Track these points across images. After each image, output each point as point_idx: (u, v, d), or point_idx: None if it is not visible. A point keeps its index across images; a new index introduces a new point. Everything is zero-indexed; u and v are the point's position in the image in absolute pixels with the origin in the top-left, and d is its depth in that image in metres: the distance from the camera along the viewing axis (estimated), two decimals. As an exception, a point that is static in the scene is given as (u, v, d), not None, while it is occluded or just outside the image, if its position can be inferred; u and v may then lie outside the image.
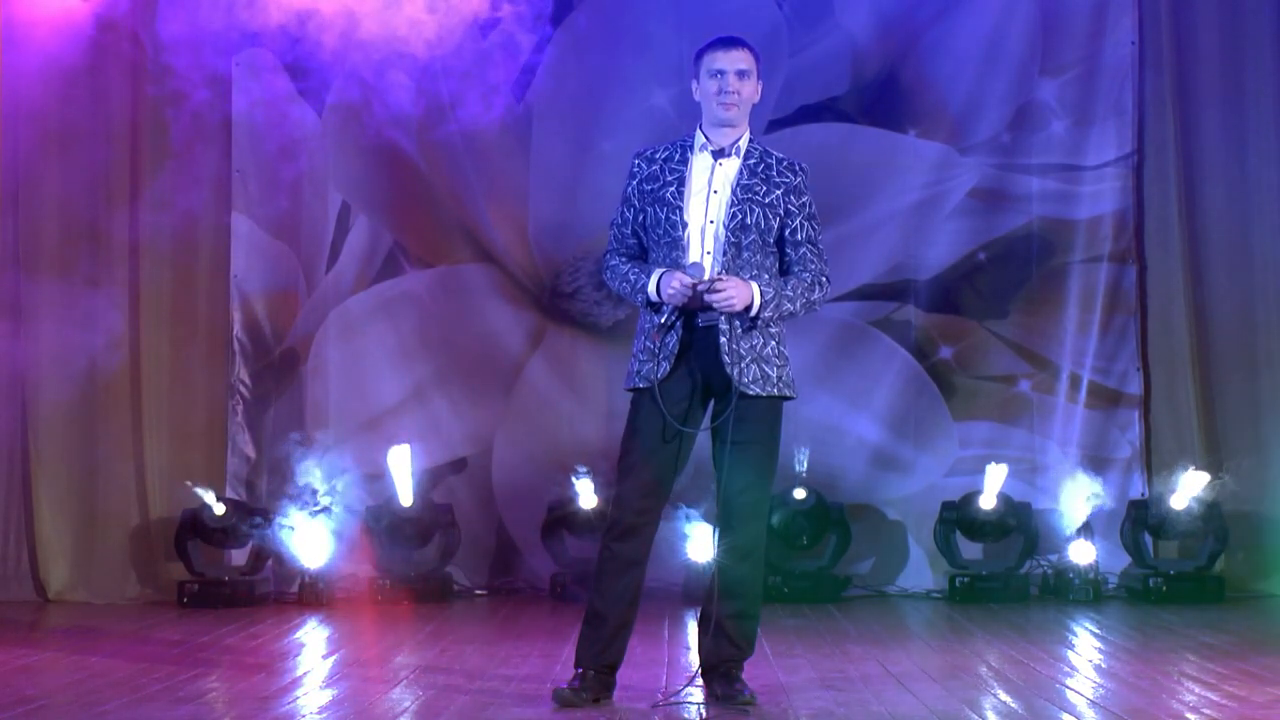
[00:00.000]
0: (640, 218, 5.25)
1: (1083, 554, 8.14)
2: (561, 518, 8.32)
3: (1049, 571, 8.30)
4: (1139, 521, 8.21)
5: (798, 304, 5.18)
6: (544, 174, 8.65)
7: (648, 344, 5.16)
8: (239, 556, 8.42)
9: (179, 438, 8.59)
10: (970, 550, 8.38)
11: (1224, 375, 8.46)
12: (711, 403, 5.21)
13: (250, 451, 8.62)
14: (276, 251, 8.70)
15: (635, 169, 5.29)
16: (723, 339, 5.10)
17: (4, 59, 8.39)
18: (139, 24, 8.49)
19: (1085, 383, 8.51)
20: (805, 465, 8.16)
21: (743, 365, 5.11)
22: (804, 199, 5.25)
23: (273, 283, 8.69)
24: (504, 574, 8.65)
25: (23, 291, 8.49)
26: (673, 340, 5.12)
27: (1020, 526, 8.22)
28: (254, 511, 8.33)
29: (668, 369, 5.12)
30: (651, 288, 5.12)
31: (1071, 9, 8.57)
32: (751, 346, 5.13)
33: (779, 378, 5.18)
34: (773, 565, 8.17)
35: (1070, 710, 5.09)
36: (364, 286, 8.71)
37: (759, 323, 5.11)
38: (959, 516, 8.24)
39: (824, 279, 5.25)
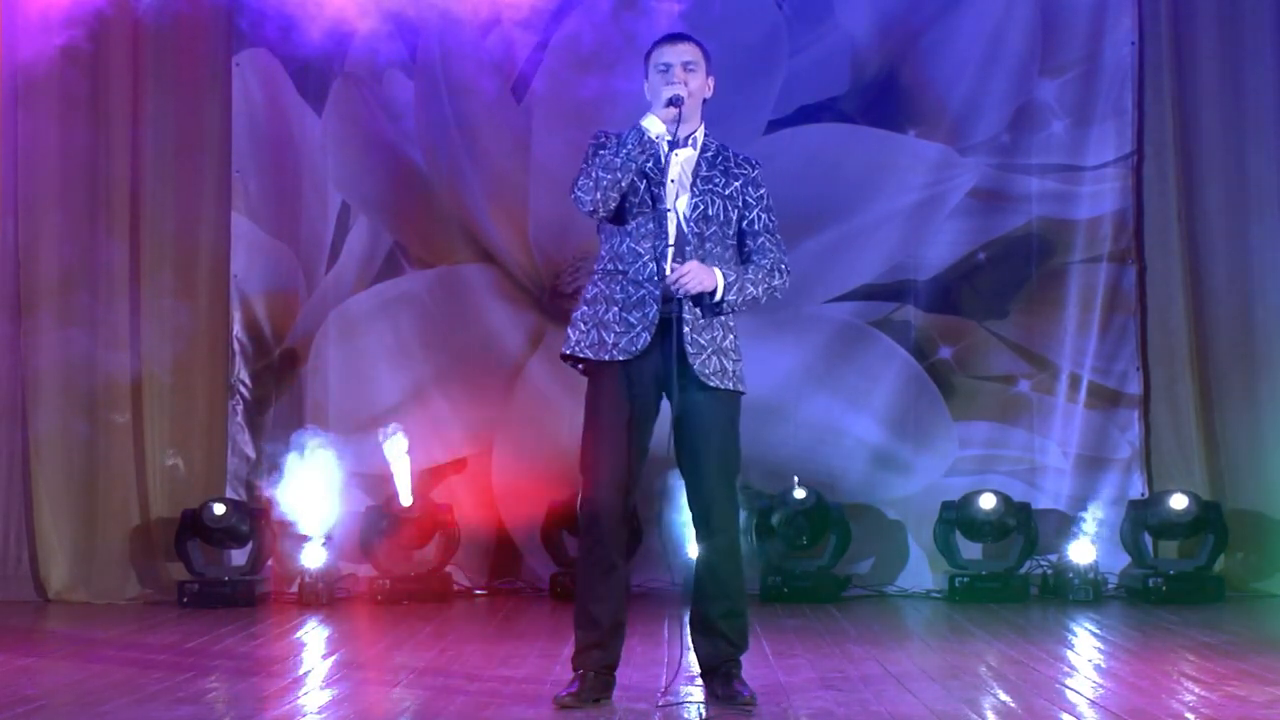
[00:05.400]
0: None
1: (1082, 554, 8.14)
2: (561, 518, 8.32)
3: (1049, 571, 8.30)
4: (1139, 521, 8.21)
5: (760, 288, 5.16)
6: (544, 174, 8.65)
7: (627, 315, 5.10)
8: (239, 556, 8.43)
9: (179, 438, 8.59)
10: (970, 550, 8.38)
11: (1224, 375, 8.45)
12: (664, 400, 5.16)
13: (250, 451, 8.63)
14: (276, 251, 8.70)
15: (602, 139, 5.17)
16: (686, 329, 5.07)
17: (3, 58, 8.40)
18: (139, 23, 8.50)
19: (1085, 383, 8.51)
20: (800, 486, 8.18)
21: (704, 356, 5.09)
22: (761, 190, 5.24)
23: (273, 283, 8.70)
24: (504, 574, 8.65)
25: (23, 291, 8.50)
26: (653, 312, 5.06)
27: (1020, 526, 8.22)
28: (254, 511, 8.34)
29: (648, 340, 5.06)
30: (648, 119, 5.05)
31: (1071, 9, 8.57)
32: (712, 338, 5.11)
33: (734, 372, 5.16)
34: (773, 565, 8.19)
35: (1070, 710, 5.09)
36: (364, 286, 8.71)
37: (723, 307, 5.09)
38: (959, 516, 8.24)
39: (783, 266, 5.23)
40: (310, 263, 8.72)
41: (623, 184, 5.05)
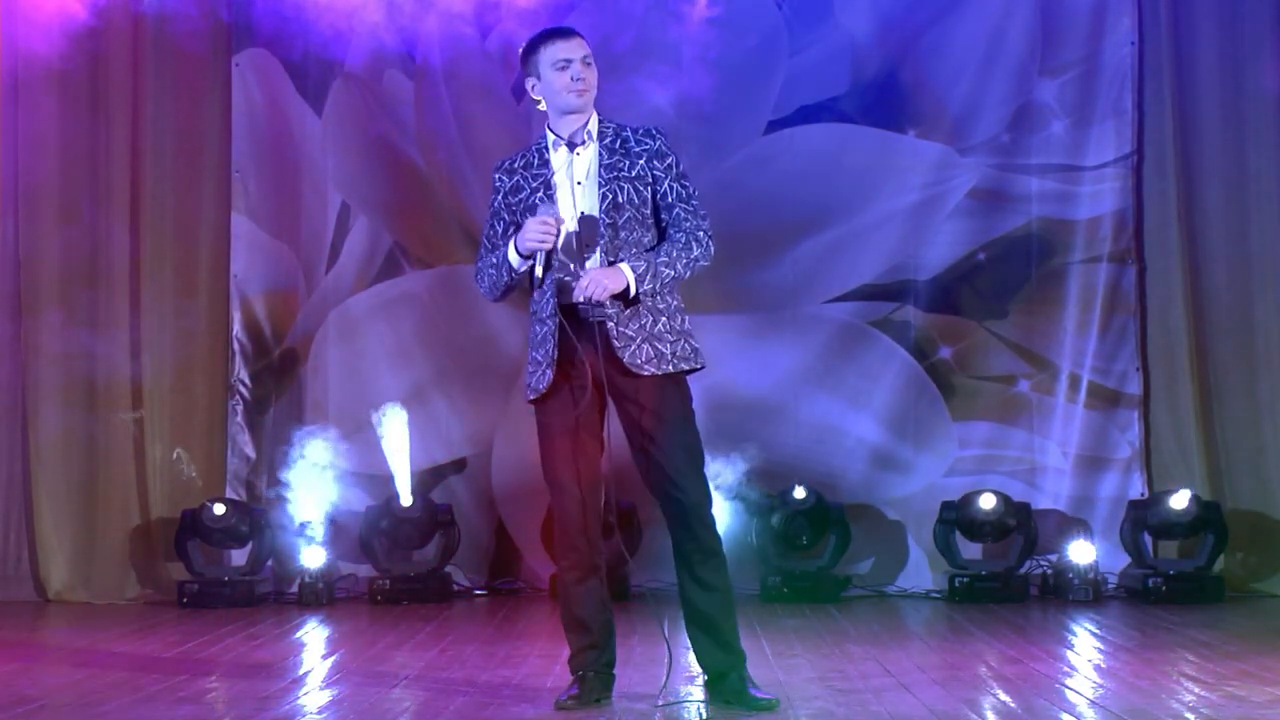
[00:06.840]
0: (513, 230, 5.19)
1: (1082, 554, 8.14)
2: (561, 518, 8.31)
3: (1049, 571, 8.30)
4: (1139, 521, 8.21)
5: (678, 266, 5.05)
6: (543, 174, 8.63)
7: (535, 354, 5.12)
8: (239, 556, 8.43)
9: (179, 438, 8.59)
10: (970, 550, 8.38)
11: (1224, 375, 8.45)
12: (610, 403, 5.14)
13: (250, 451, 8.63)
14: (276, 251, 8.71)
15: (497, 183, 5.25)
16: (610, 324, 5.03)
17: (2, 61, 8.40)
18: (139, 23, 8.50)
19: (1085, 383, 8.51)
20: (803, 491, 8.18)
21: (634, 347, 5.03)
22: (668, 160, 5.13)
23: (273, 283, 8.70)
24: (504, 574, 8.66)
25: (23, 291, 8.50)
26: (551, 345, 5.04)
27: (1020, 526, 8.22)
28: (254, 511, 8.34)
29: (552, 376, 5.04)
30: (512, 249, 5.10)
31: (1071, 9, 8.57)
32: (641, 327, 5.05)
33: (673, 354, 5.07)
34: (773, 565, 8.19)
35: (1070, 710, 5.09)
36: (364, 286, 8.72)
37: (641, 298, 5.02)
38: (959, 516, 8.24)
39: (700, 234, 5.09)
40: (310, 263, 8.72)
41: (514, 288, 5.22)
